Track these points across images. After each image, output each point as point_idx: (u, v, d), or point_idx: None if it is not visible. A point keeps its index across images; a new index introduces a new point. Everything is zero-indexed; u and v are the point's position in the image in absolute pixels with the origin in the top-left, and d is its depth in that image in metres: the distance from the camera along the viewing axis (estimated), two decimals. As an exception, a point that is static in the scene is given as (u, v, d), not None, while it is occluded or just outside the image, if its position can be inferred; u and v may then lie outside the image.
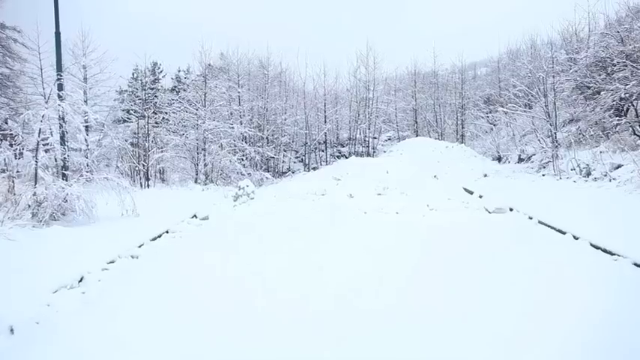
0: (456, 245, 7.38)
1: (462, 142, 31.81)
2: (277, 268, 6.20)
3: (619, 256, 6.03)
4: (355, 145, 32.63)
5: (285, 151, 30.53)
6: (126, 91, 31.51)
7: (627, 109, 15.18)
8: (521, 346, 3.77)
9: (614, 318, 4.25)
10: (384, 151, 30.10)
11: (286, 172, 28.72)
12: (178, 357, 3.75)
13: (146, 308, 4.84)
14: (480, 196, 12.90)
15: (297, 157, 31.93)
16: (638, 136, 13.62)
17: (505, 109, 23.73)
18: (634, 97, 14.38)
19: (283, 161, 29.97)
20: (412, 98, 37.09)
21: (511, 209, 10.58)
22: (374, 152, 31.59)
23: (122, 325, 4.41)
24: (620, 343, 3.73)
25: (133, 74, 32.18)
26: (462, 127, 36.03)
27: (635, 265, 5.65)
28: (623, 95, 14.57)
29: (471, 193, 13.84)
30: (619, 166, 11.73)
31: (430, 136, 33.94)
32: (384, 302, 4.82)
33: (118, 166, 18.75)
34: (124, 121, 25.99)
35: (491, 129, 30.47)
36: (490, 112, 32.63)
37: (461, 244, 7.48)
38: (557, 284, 5.21)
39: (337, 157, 31.18)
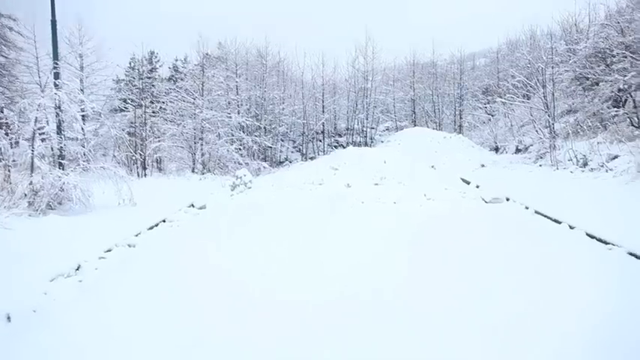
0: (452, 235, 7.40)
1: (460, 133, 31.79)
2: (273, 259, 6.22)
3: (614, 245, 6.08)
4: (353, 135, 32.59)
5: (282, 140, 30.49)
6: (123, 80, 31.28)
7: (625, 100, 15.17)
8: (510, 329, 3.82)
9: (605, 305, 4.31)
10: (382, 142, 30.07)
11: (284, 162, 28.70)
12: (170, 347, 3.76)
13: (142, 298, 4.86)
14: (477, 186, 12.93)
15: (294, 147, 31.87)
16: (635, 127, 13.63)
17: (503, 100, 23.70)
18: (632, 89, 14.35)
19: (281, 151, 29.94)
20: (410, 88, 37.01)
21: (508, 199, 10.61)
22: (372, 142, 31.55)
23: (118, 314, 4.43)
24: (606, 328, 3.78)
25: (129, 63, 31.92)
26: (460, 118, 36.00)
27: (630, 254, 5.69)
28: (621, 86, 14.54)
29: (468, 183, 13.86)
30: (616, 157, 11.75)
31: (428, 127, 33.91)
32: (379, 296, 4.84)
33: (114, 156, 18.70)
34: (121, 110, 25.83)
35: (489, 119, 30.43)
36: (488, 103, 32.57)
37: (457, 233, 7.50)
38: (551, 273, 5.24)
39: (335, 147, 31.15)
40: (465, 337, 3.86)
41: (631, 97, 14.61)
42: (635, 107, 14.33)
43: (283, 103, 29.99)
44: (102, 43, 20.54)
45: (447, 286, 5.03)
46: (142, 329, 4.06)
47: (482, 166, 18.00)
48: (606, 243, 6.27)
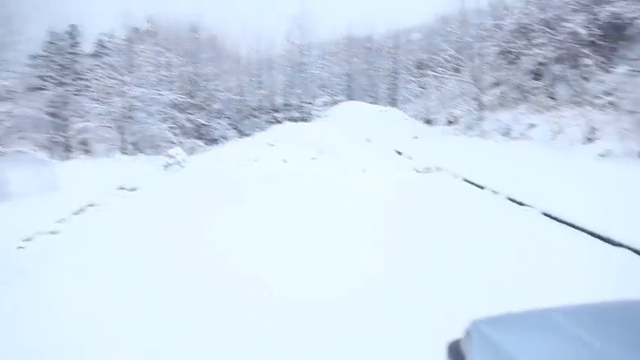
0: (388, 204, 7.66)
1: (395, 106, 32.42)
2: (206, 240, 6.06)
3: (529, 206, 6.67)
4: (290, 110, 32.40)
5: (218, 118, 29.71)
6: (41, 55, 28.92)
7: (544, 73, 16.14)
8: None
9: (515, 249, 4.94)
10: (319, 116, 30.09)
11: (219, 140, 28.00)
12: (88, 336, 3.61)
13: (67, 286, 4.61)
14: (411, 157, 13.37)
15: (230, 124, 31.15)
16: (551, 98, 14.58)
17: (435, 73, 24.44)
18: (550, 62, 15.29)
19: (216, 128, 29.17)
20: (346, 63, 37.14)
21: (439, 169, 11.07)
22: (309, 117, 31.50)
23: (39, 307, 4.17)
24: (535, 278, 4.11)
25: (48, 38, 29.52)
26: (395, 92, 36.72)
27: (543, 214, 6.30)
28: (541, 60, 15.45)
29: (402, 154, 14.30)
30: (534, 126, 12.56)
31: (364, 101, 34.26)
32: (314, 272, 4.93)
33: (34, 138, 17.38)
34: (40, 88, 23.97)
35: (422, 93, 31.30)
36: (422, 77, 33.39)
37: (392, 202, 7.76)
38: (477, 231, 5.75)
39: (272, 123, 30.79)
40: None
41: (548, 70, 15.57)
42: (552, 80, 15.30)
43: (218, 79, 29.15)
44: (14, 13, 18.73)
45: (386, 249, 5.21)
46: (62, 322, 3.86)
47: (416, 138, 18.57)
48: (523, 205, 6.83)
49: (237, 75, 30.75)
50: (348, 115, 25.38)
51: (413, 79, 34.99)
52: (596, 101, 11.32)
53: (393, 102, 35.45)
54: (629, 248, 4.68)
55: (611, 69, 12.30)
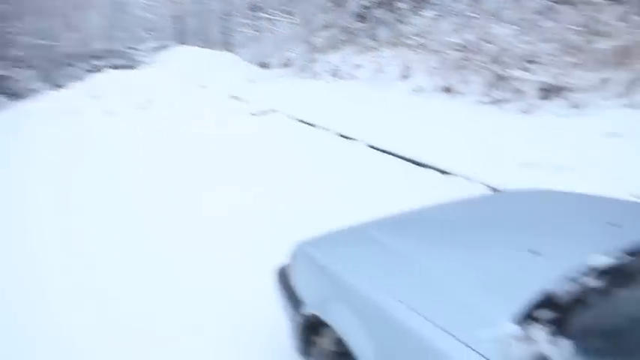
0: (221, 146, 7.58)
1: (230, 51, 31.36)
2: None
3: (356, 140, 7.31)
4: (113, 57, 29.09)
5: (20, 67, 25.16)
6: None
7: (367, 16, 17.12)
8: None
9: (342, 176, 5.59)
10: (147, 63, 27.71)
11: (25, 93, 23.88)
12: None
13: None
14: (247, 101, 13.21)
15: (39, 75, 26.72)
16: (373, 39, 15.62)
17: (269, 16, 24.15)
18: (373, 6, 16.28)
19: (19, 80, 24.76)
20: (173, 3, 34.36)
21: (274, 110, 11.16)
22: (135, 64, 28.75)
23: None
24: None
25: None
26: (229, 35, 35.40)
27: (369, 146, 6.98)
28: (365, 4, 16.35)
29: (238, 98, 14.07)
30: (360, 66, 13.45)
31: (196, 45, 32.44)
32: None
33: None
34: None
35: (257, 37, 30.75)
36: (256, 20, 32.63)
37: (226, 144, 7.70)
38: (308, 163, 6.31)
39: (91, 72, 27.31)
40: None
41: (371, 13, 16.57)
42: (375, 22, 16.34)
43: (18, 20, 24.44)
44: None
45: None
46: None
47: (252, 82, 18.35)
48: (351, 139, 7.44)
49: (43, 16, 26.09)
50: (180, 60, 24.00)
51: (247, 22, 34.01)
52: (409, 42, 12.44)
53: (227, 46, 34.15)
54: (433, 167, 5.62)
55: (420, 13, 13.56)
